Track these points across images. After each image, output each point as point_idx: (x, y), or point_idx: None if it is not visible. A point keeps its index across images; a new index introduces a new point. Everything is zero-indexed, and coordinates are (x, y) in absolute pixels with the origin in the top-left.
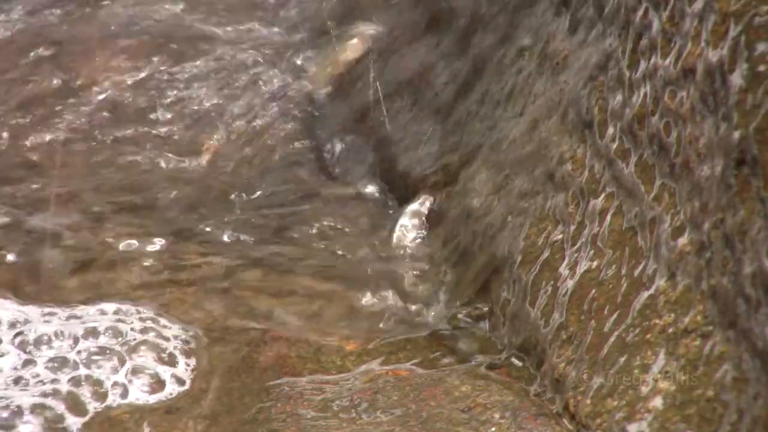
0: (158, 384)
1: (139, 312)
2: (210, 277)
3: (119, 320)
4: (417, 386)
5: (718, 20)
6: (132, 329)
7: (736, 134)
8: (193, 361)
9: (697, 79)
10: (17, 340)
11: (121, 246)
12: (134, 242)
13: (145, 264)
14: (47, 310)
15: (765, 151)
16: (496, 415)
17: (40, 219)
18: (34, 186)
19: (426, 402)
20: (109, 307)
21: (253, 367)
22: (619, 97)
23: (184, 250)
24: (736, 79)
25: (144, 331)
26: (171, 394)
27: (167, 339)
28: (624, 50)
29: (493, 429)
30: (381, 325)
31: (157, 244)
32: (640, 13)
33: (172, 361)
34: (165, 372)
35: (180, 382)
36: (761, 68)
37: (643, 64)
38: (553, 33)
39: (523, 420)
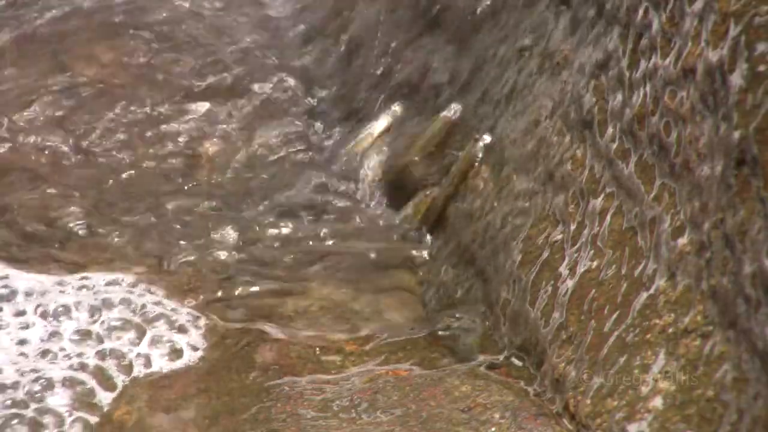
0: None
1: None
2: (211, 278)
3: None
4: (417, 386)
5: (718, 20)
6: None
7: (736, 134)
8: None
9: (697, 79)
10: (39, 310)
11: (117, 241)
12: (134, 236)
13: (147, 263)
14: (58, 279)
15: (765, 151)
16: (496, 415)
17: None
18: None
19: (426, 402)
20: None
21: (253, 367)
22: (619, 97)
23: (185, 251)
24: (736, 79)
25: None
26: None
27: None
28: (624, 50)
29: (493, 429)
30: (381, 325)
31: (157, 242)
32: (641, 12)
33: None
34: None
35: (194, 348)
36: (761, 68)
37: (643, 64)
38: (553, 32)
39: (523, 420)
